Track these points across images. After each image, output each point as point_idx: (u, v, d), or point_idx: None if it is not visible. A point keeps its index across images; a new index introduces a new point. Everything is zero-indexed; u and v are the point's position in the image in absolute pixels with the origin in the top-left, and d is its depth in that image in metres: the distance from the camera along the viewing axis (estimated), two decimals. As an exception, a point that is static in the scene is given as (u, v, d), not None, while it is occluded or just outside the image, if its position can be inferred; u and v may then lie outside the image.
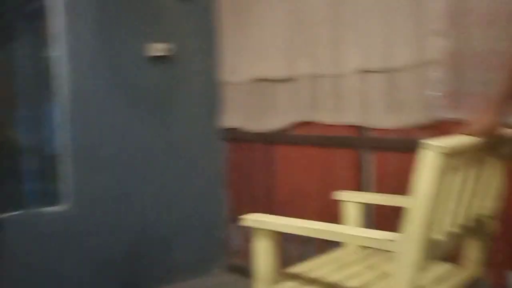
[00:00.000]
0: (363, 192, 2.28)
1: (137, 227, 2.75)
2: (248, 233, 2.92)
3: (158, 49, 2.78)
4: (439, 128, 2.05)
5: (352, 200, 1.94)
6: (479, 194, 1.49)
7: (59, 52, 2.51)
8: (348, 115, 2.39)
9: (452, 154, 1.22)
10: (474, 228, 1.54)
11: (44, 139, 2.64)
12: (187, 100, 2.93)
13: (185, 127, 2.92)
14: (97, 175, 2.61)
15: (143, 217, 2.77)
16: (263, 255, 1.57)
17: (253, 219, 1.58)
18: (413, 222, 1.21)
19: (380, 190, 2.27)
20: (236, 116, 2.96)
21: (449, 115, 2.03)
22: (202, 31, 2.97)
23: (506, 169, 1.55)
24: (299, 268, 1.71)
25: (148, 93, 2.79)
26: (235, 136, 3.00)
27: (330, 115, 2.46)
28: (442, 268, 1.66)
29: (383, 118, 2.25)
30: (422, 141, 1.19)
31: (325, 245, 2.47)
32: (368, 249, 1.87)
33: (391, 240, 1.29)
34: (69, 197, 2.55)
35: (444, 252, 1.39)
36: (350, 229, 1.71)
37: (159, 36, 2.79)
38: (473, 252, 1.65)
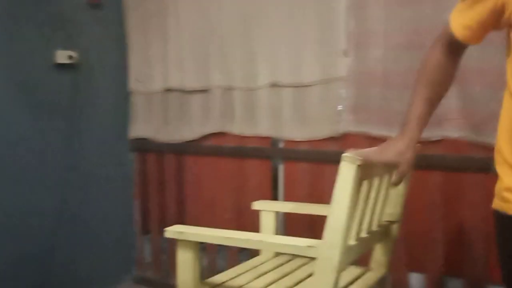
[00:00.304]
0: (278, 202, 2.38)
1: (44, 240, 2.60)
2: (159, 245, 2.91)
3: (65, 56, 2.67)
4: (345, 140, 2.21)
5: (267, 209, 2.02)
6: (385, 201, 1.64)
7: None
8: (260, 127, 2.48)
9: (365, 166, 1.34)
10: (381, 233, 1.68)
11: None
12: (95, 109, 2.83)
13: (93, 137, 2.83)
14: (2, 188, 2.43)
15: (50, 231, 2.62)
16: (185, 266, 1.58)
17: (175, 230, 1.59)
18: (333, 228, 1.30)
19: (291, 198, 2.38)
20: (147, 126, 2.93)
21: (354, 128, 2.20)
22: (112, 39, 2.91)
23: (409, 179, 1.72)
24: (220, 277, 1.75)
25: (54, 101, 2.66)
26: (146, 147, 2.96)
27: (243, 126, 2.54)
28: (352, 271, 1.79)
29: (294, 131, 2.37)
30: (343, 153, 1.29)
31: (237, 255, 2.55)
32: (283, 257, 1.96)
33: (311, 247, 1.38)
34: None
35: (356, 256, 1.51)
36: (273, 238, 1.78)
37: (67, 43, 2.68)
38: (380, 255, 1.80)
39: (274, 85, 2.40)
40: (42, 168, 2.60)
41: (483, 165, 1.85)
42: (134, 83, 2.95)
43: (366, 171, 1.35)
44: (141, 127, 2.96)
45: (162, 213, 2.90)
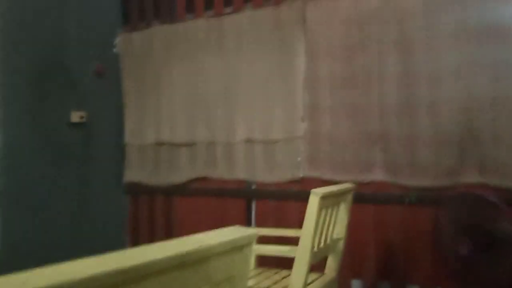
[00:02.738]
0: (254, 228, 3.10)
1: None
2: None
3: (77, 116, 3.31)
4: (302, 182, 2.99)
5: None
6: (336, 223, 2.41)
7: (-6, 117, 2.91)
8: (237, 172, 3.22)
9: (324, 198, 2.11)
10: (332, 246, 2.44)
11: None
12: (98, 158, 3.47)
13: (95, 181, 3.44)
14: (24, 221, 2.98)
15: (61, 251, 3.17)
16: None
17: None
18: (305, 237, 2.05)
19: (261, 227, 3.11)
20: (140, 172, 3.58)
21: (309, 173, 2.99)
22: (112, 102, 3.59)
23: (349, 208, 2.50)
24: None
25: (68, 152, 3.27)
26: (138, 190, 3.60)
27: (223, 172, 3.27)
28: (313, 276, 2.52)
29: (264, 175, 3.13)
30: (302, 192, 2.05)
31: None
32: (257, 270, 2.66)
33: (292, 250, 2.11)
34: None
35: (317, 259, 2.25)
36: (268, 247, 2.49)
37: (78, 105, 3.33)
38: (331, 262, 2.55)
39: (248, 140, 3.17)
40: (57, 203, 3.18)
41: (400, 200, 2.68)
42: (129, 137, 3.62)
43: (324, 202, 2.12)
44: (134, 173, 3.61)
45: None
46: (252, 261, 2.69)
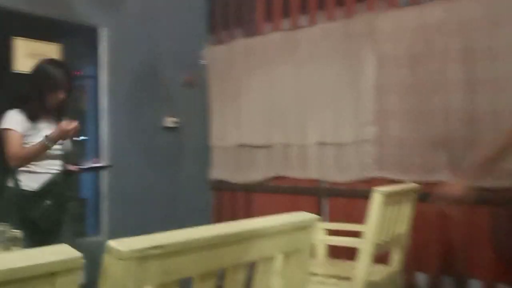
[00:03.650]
0: (327, 223, 3.40)
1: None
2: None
3: (169, 121, 3.78)
4: (371, 182, 3.23)
5: (320, 228, 3.03)
6: (399, 219, 2.65)
7: (103, 123, 3.44)
8: (310, 172, 3.52)
9: (388, 196, 2.36)
10: (396, 240, 2.68)
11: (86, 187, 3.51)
12: (187, 158, 3.92)
13: (185, 179, 3.90)
14: (126, 213, 3.49)
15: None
16: None
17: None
18: (369, 231, 2.32)
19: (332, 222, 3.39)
20: (223, 171, 4.00)
21: (377, 174, 3.23)
22: (200, 109, 4.03)
23: (413, 206, 2.72)
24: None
25: (162, 154, 3.76)
26: (222, 187, 4.02)
27: (297, 171, 3.59)
28: (378, 267, 2.77)
29: (335, 175, 3.41)
30: (375, 188, 2.31)
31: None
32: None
33: (358, 241, 2.38)
34: (106, 230, 3.40)
35: (381, 250, 2.50)
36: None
37: (171, 112, 3.81)
38: (396, 255, 2.78)
39: (320, 143, 3.46)
40: (153, 198, 3.67)
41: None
42: (214, 140, 4.05)
43: (387, 200, 2.38)
44: (219, 172, 4.03)
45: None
46: (322, 248, 2.98)
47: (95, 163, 2.89)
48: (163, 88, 3.78)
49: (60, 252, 0.75)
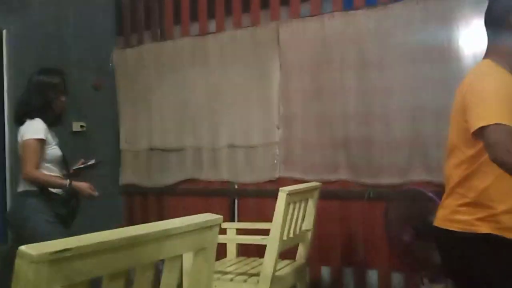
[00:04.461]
0: (238, 223, 3.52)
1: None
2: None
3: (78, 126, 3.71)
4: (278, 182, 3.41)
5: (231, 227, 3.15)
6: (304, 216, 2.83)
7: (6, 130, 3.30)
8: (221, 174, 3.63)
9: (291, 194, 2.52)
10: (301, 236, 2.86)
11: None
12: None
13: (95, 183, 3.82)
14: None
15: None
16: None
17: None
18: (274, 228, 2.46)
19: (243, 221, 3.52)
20: (134, 175, 3.99)
21: (284, 174, 3.41)
22: (109, 112, 3.98)
23: (316, 204, 2.92)
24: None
25: (70, 157, 3.66)
26: (133, 191, 4.01)
27: (209, 174, 3.68)
28: (285, 261, 2.94)
29: (245, 176, 3.55)
30: (280, 188, 2.46)
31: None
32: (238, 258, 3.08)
33: (264, 239, 2.52)
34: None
35: (287, 246, 2.66)
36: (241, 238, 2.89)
37: (79, 116, 3.73)
38: (301, 251, 2.97)
39: (231, 145, 3.58)
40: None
41: (361, 195, 3.12)
42: (123, 144, 4.02)
43: (292, 198, 2.54)
44: (129, 176, 4.01)
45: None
46: (234, 249, 3.10)
47: (83, 163, 3.06)
48: (70, 92, 3.69)
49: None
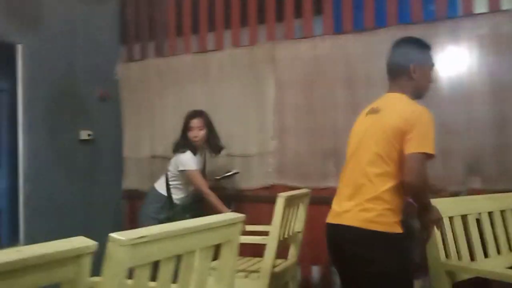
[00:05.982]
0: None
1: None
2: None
3: (85, 134, 3.97)
4: (272, 188, 3.72)
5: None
6: (295, 219, 3.15)
7: (19, 137, 3.56)
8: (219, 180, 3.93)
9: (288, 199, 2.84)
10: (293, 237, 3.17)
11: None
12: (101, 169, 4.13)
13: (99, 188, 4.10)
14: (43, 223, 3.62)
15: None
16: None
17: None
18: (273, 229, 2.77)
19: (240, 226, 3.82)
20: (136, 180, 4.25)
21: (277, 181, 3.73)
22: (114, 122, 4.26)
23: (307, 208, 3.24)
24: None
25: (78, 165, 3.93)
26: (135, 195, 4.27)
27: (207, 181, 3.97)
28: (278, 261, 3.24)
29: (242, 183, 3.85)
30: (273, 196, 2.77)
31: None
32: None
33: (265, 239, 2.83)
34: (23, 239, 3.51)
35: (279, 249, 2.96)
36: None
37: (86, 125, 4.00)
38: (292, 251, 3.27)
39: (229, 155, 3.89)
40: (69, 207, 3.83)
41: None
42: (127, 151, 4.30)
43: (288, 203, 2.85)
44: (131, 182, 4.27)
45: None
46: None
47: (227, 172, 3.71)
48: (79, 102, 3.96)
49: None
